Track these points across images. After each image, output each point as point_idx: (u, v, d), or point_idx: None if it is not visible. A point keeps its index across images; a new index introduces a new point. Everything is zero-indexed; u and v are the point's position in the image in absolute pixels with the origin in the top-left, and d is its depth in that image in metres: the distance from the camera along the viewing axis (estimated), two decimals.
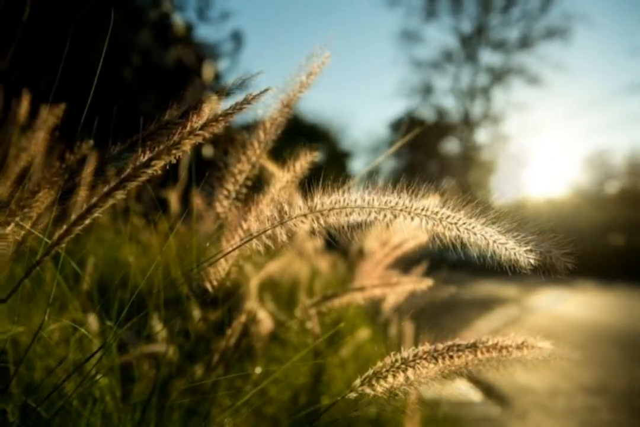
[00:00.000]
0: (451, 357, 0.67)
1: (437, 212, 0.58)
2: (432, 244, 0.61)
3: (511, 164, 32.30)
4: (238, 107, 0.62)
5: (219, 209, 0.88)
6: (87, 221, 0.58)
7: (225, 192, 0.88)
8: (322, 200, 0.61)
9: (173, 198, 2.74)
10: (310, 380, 1.63)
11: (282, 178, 0.89)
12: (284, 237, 0.62)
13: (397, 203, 0.59)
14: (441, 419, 2.20)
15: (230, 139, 0.87)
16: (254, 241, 0.63)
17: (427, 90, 33.83)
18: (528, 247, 0.56)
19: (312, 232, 0.63)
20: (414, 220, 0.59)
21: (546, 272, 0.57)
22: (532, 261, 0.56)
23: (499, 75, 32.39)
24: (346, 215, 0.60)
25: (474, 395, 3.40)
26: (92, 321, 1.12)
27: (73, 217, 0.59)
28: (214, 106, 0.62)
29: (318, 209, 0.61)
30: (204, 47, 15.59)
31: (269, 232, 0.62)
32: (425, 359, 0.67)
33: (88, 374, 0.83)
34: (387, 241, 1.54)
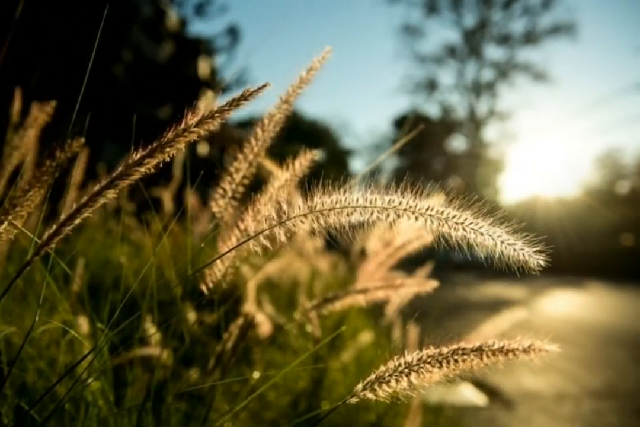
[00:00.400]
0: (456, 361, 0.67)
1: (443, 212, 0.58)
2: (438, 244, 0.61)
3: (520, 163, 32.31)
4: (234, 103, 0.61)
5: (215, 209, 0.87)
6: (77, 221, 0.58)
7: (222, 191, 0.87)
8: (322, 199, 0.61)
9: (166, 197, 2.74)
10: (311, 385, 1.63)
11: (281, 177, 0.89)
12: (283, 238, 0.62)
13: (400, 202, 0.59)
14: (443, 424, 2.20)
15: (226, 137, 0.86)
16: (252, 242, 0.63)
17: (431, 86, 33.82)
18: (537, 248, 0.56)
19: (312, 233, 0.62)
20: (418, 220, 0.58)
21: (556, 273, 0.56)
22: (541, 262, 0.56)
23: (504, 71, 32.37)
24: (347, 215, 0.60)
25: (478, 399, 3.40)
26: (83, 322, 1.11)
27: (62, 216, 0.58)
28: (209, 102, 0.61)
29: (318, 209, 0.60)
30: (199, 42, 15.61)
31: (268, 232, 0.62)
32: (429, 363, 0.66)
33: (79, 378, 0.83)
34: (390, 241, 1.53)
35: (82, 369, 0.82)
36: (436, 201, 0.59)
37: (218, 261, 0.83)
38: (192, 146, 0.65)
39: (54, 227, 0.59)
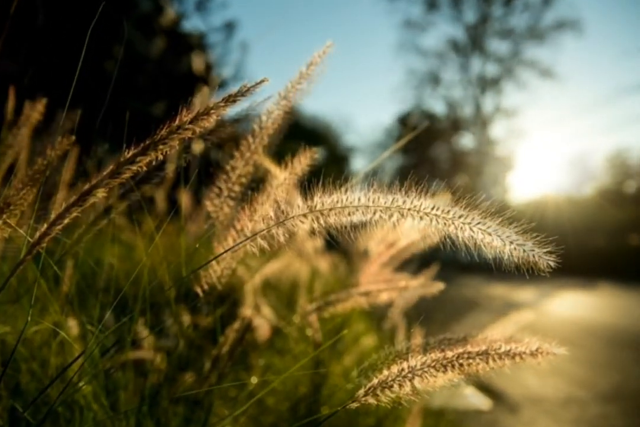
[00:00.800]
0: (461, 365, 0.67)
1: (449, 212, 0.58)
2: (443, 245, 0.61)
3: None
4: (231, 100, 0.60)
5: (210, 208, 0.87)
6: (67, 220, 0.58)
7: (217, 191, 0.87)
8: (322, 199, 0.61)
9: (159, 196, 2.73)
10: (311, 390, 1.62)
11: (281, 176, 0.88)
12: (283, 238, 0.61)
13: (403, 202, 0.58)
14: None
15: (223, 134, 0.86)
16: (250, 242, 0.62)
17: (435, 81, 33.82)
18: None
19: (312, 233, 0.62)
20: (423, 219, 0.58)
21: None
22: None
23: (508, 67, 32.36)
24: (348, 215, 0.60)
25: (482, 403, 3.39)
26: (73, 324, 1.11)
27: (52, 216, 0.58)
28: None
29: (318, 209, 0.60)
30: (192, 36, 15.63)
31: (266, 232, 0.61)
32: (434, 367, 0.66)
33: (70, 381, 0.83)
34: (393, 241, 1.53)
35: (72, 372, 0.82)
36: (442, 200, 0.59)
37: (214, 262, 0.83)
38: (187, 144, 0.65)
39: (45, 226, 0.58)
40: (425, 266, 2.16)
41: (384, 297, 1.14)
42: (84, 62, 0.75)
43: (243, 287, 1.43)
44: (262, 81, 0.63)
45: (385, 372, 0.67)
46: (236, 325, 1.06)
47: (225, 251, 0.74)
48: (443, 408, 2.28)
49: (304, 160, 0.88)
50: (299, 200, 0.62)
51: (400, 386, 0.66)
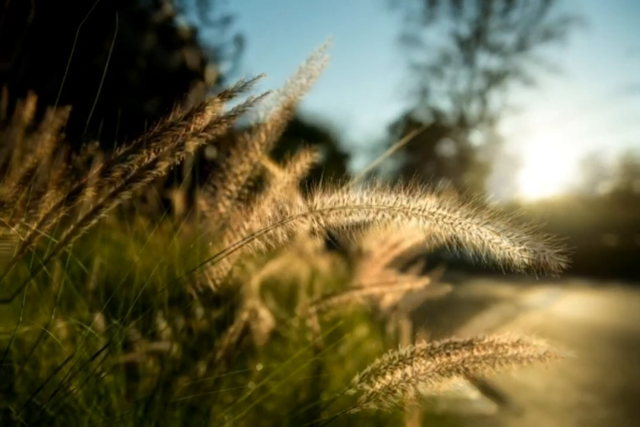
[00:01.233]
0: (448, 354, 0.67)
1: (434, 213, 0.58)
2: (429, 243, 0.61)
3: (506, 166, 32.16)
4: (240, 110, 0.62)
5: (222, 210, 0.88)
6: (94, 221, 0.59)
7: (228, 193, 0.88)
8: (322, 200, 0.61)
9: (177, 199, 2.74)
10: (310, 377, 1.63)
11: (283, 178, 0.89)
12: (285, 237, 0.62)
13: (395, 203, 0.59)
14: (440, 417, 2.19)
15: (232, 141, 0.87)
16: (255, 241, 0.63)
17: (424, 93, 33.76)
18: (522, 247, 0.56)
19: (312, 232, 0.62)
20: (412, 220, 0.59)
21: (540, 272, 0.56)
22: (525, 260, 0.56)
23: (495, 78, 32.29)
24: (346, 215, 0.60)
25: (470, 393, 3.39)
26: (99, 319, 1.11)
27: (80, 217, 0.59)
28: (216, 108, 0.62)
29: (318, 209, 0.61)
30: (206, 50, 15.55)
31: (270, 232, 0.62)
32: (422, 356, 0.67)
33: (94, 372, 0.83)
34: (386, 240, 1.54)
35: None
36: (428, 202, 0.59)
37: (224, 259, 0.84)
38: (199, 150, 0.66)
39: (72, 227, 0.59)
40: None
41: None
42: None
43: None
44: (267, 93, 0.64)
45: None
46: (243, 316, 1.06)
47: (234, 249, 0.74)
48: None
49: (304, 159, 0.88)
50: (298, 200, 0.62)
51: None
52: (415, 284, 1.17)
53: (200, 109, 0.59)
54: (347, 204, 0.59)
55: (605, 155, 28.14)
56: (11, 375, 0.94)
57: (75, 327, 0.93)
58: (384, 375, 0.66)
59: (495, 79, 32.03)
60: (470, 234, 0.57)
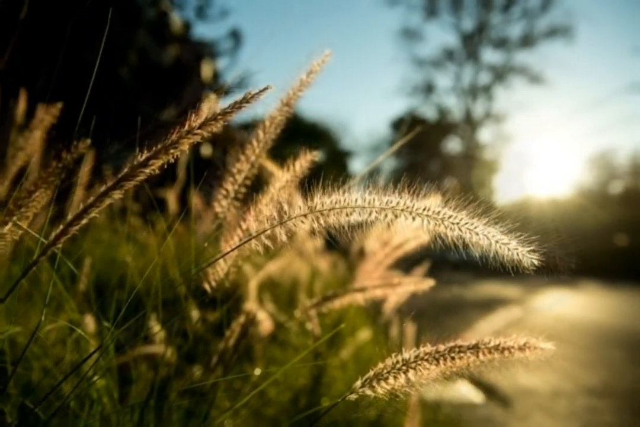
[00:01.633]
0: (453, 358, 0.67)
1: (439, 212, 0.58)
2: (434, 244, 0.61)
3: (514, 164, 32.24)
4: (237, 106, 0.62)
5: (218, 209, 0.88)
6: (84, 221, 0.58)
7: (224, 192, 0.88)
8: (322, 200, 0.61)
9: (171, 198, 2.75)
10: (311, 381, 1.63)
11: (282, 178, 0.89)
12: (284, 237, 0.62)
13: (398, 203, 0.59)
14: (442, 421, 2.20)
15: (229, 138, 0.87)
16: (253, 241, 0.63)
17: (428, 89, 33.81)
18: (531, 248, 0.56)
19: (312, 232, 0.62)
20: (416, 220, 0.59)
21: (549, 273, 0.56)
22: (535, 262, 0.56)
23: (500, 74, 32.37)
24: (346, 215, 0.60)
25: (475, 396, 3.40)
26: (89, 321, 1.12)
27: (69, 216, 0.58)
28: (212, 105, 0.62)
29: (318, 209, 0.61)
30: (202, 45, 15.56)
31: (269, 232, 0.62)
32: (426, 360, 0.67)
33: (85, 376, 0.83)
34: (388, 241, 1.54)
35: (87, 367, 0.83)
36: (433, 202, 0.59)
37: (221, 260, 0.84)
38: (195, 148, 0.66)
39: (61, 227, 0.59)
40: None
41: (379, 293, 1.15)
42: (98, 67, 0.76)
43: (247, 284, 1.44)
44: (266, 88, 0.64)
45: (380, 365, 0.67)
46: (241, 319, 1.06)
47: (231, 250, 0.74)
48: (439, 402, 2.28)
49: (304, 161, 0.89)
50: (299, 200, 0.62)
51: (395, 377, 0.66)
52: (419, 285, 1.17)
53: (213, 118, 0.59)
54: (345, 204, 0.59)
55: (616, 154, 28.23)
56: (4, 376, 0.95)
57: (103, 321, 0.94)
58: (386, 380, 0.66)
59: (500, 74, 32.15)
60: (477, 234, 0.57)
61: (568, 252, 0.55)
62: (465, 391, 3.44)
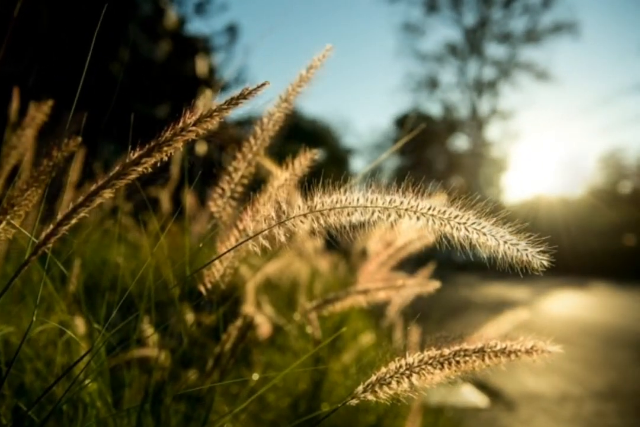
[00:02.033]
0: (458, 362, 0.67)
1: (445, 212, 0.58)
2: (439, 245, 0.60)
3: (521, 162, 32.24)
4: (233, 102, 0.61)
5: (214, 209, 0.87)
6: (74, 221, 0.58)
7: (220, 191, 0.87)
8: (322, 199, 0.60)
9: (164, 197, 2.74)
10: (311, 387, 1.62)
11: (281, 176, 0.89)
12: (283, 238, 0.61)
13: (402, 202, 0.58)
14: (443, 426, 2.20)
15: (225, 136, 0.86)
16: (251, 242, 0.62)
17: (432, 84, 33.80)
18: (541, 248, 0.55)
19: (312, 233, 0.62)
20: (420, 220, 0.58)
21: (558, 273, 0.56)
22: (544, 262, 0.55)
23: (506, 70, 32.35)
24: (348, 215, 0.60)
25: (480, 400, 3.39)
26: (80, 323, 1.11)
27: (59, 216, 0.58)
28: (208, 101, 0.61)
29: (318, 209, 0.60)
30: (196, 40, 15.59)
31: (267, 232, 0.61)
32: (431, 364, 0.66)
33: (76, 379, 0.83)
34: (391, 241, 1.53)
35: (79, 370, 0.82)
36: (438, 201, 0.59)
37: (217, 262, 0.83)
38: (190, 145, 0.65)
39: (51, 226, 0.58)
40: (422, 265, 2.16)
41: (381, 295, 1.14)
42: (90, 64, 0.75)
43: (245, 286, 1.44)
44: (263, 84, 0.63)
45: (383, 369, 0.67)
46: (238, 323, 1.06)
47: (228, 251, 0.74)
48: (441, 406, 2.29)
49: (304, 161, 0.88)
50: (299, 200, 0.62)
51: (398, 382, 0.66)
52: (424, 287, 1.17)
53: (208, 115, 0.58)
54: (346, 204, 0.59)
55: (625, 154, 28.24)
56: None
57: (93, 324, 0.94)
58: (389, 384, 0.66)
59: (505, 70, 32.16)
60: (485, 234, 0.57)
61: (577, 252, 0.54)
62: (470, 395, 3.44)
